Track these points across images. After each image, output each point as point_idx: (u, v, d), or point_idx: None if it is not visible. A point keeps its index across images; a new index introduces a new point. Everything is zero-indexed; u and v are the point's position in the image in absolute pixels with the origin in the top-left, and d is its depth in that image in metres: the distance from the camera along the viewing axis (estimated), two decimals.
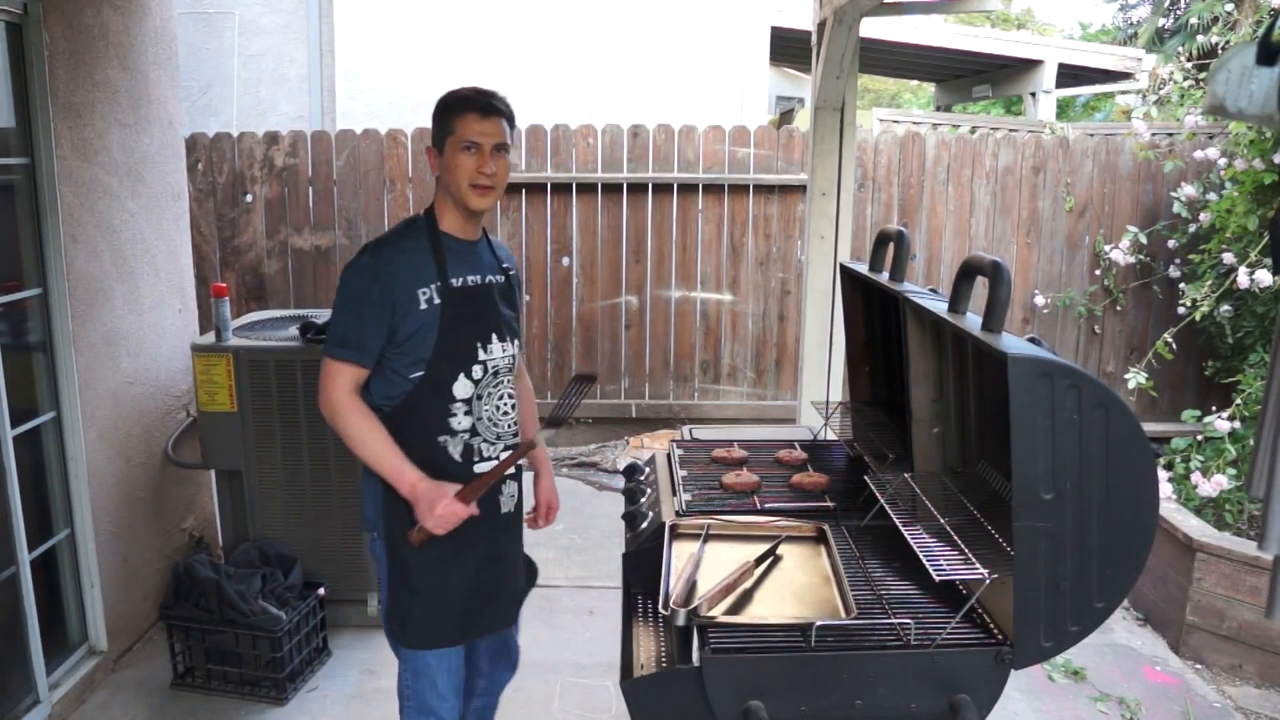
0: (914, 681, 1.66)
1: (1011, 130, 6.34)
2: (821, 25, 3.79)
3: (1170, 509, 3.69)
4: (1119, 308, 5.78)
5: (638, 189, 5.85)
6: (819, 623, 1.65)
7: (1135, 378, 4.81)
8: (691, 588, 1.81)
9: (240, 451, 3.35)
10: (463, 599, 2.09)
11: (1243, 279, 4.38)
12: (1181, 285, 5.22)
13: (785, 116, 11.11)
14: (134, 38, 3.39)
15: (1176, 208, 5.39)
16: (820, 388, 4.06)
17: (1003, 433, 1.56)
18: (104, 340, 3.23)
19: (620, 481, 2.78)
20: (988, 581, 1.62)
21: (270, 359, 3.30)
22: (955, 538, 1.74)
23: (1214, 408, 4.29)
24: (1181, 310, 5.01)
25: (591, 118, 5.96)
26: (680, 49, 8.02)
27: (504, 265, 2.19)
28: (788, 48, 9.81)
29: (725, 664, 1.64)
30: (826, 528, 2.05)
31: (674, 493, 2.37)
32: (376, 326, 1.98)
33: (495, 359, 2.09)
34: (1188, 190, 5.31)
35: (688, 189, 5.85)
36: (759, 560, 1.92)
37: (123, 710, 3.05)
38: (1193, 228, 5.34)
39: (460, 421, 2.05)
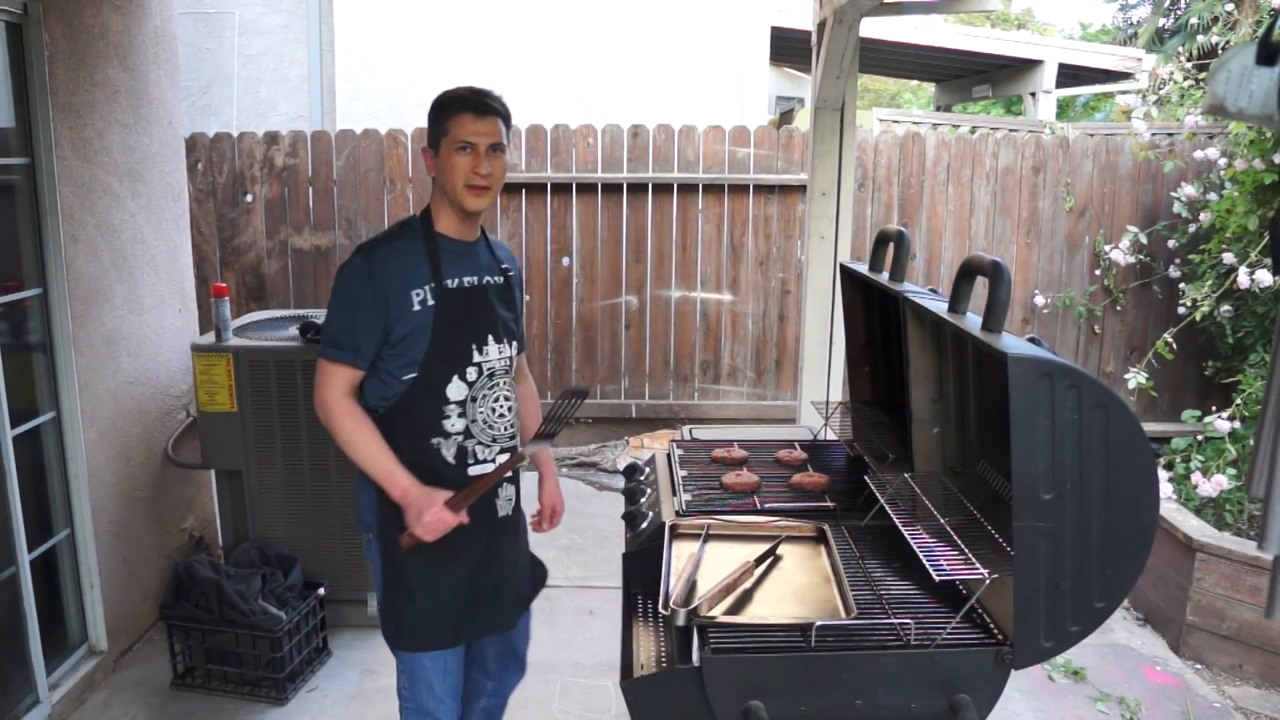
0: (914, 681, 1.66)
1: (1011, 130, 6.34)
2: (821, 25, 3.79)
3: (1170, 509, 3.68)
4: (1119, 308, 5.78)
5: (638, 189, 5.85)
6: (819, 623, 1.65)
7: (1135, 378, 4.81)
8: (691, 588, 1.81)
9: (240, 451, 3.35)
10: (458, 602, 2.08)
11: (1243, 279, 4.37)
12: (1181, 285, 5.22)
13: (785, 116, 11.11)
14: (134, 38, 3.39)
15: (1176, 208, 5.39)
16: (820, 388, 4.06)
17: (1003, 433, 1.56)
18: (104, 340, 3.23)
19: (620, 481, 2.78)
20: (988, 581, 1.62)
21: (270, 359, 3.30)
22: (955, 538, 1.74)
23: (1214, 408, 4.29)
24: (1181, 310, 5.01)
25: (591, 118, 5.96)
26: (680, 49, 8.02)
27: (503, 266, 2.17)
28: (788, 48, 9.81)
29: (725, 664, 1.64)
30: (826, 528, 2.05)
31: (674, 493, 2.37)
32: (370, 328, 1.97)
33: (491, 361, 2.08)
34: (1188, 190, 5.30)
35: (688, 189, 5.85)
36: (759, 560, 1.92)
37: (123, 710, 3.05)
38: (1193, 228, 5.33)
39: (453, 424, 2.04)
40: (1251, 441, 2.22)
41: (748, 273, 5.92)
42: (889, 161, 5.79)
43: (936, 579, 1.66)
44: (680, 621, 1.68)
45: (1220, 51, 5.39)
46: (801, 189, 5.66)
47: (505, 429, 2.12)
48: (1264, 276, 4.31)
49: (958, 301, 1.81)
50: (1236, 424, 4.05)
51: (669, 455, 2.64)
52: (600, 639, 3.44)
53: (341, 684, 3.22)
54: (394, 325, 1.98)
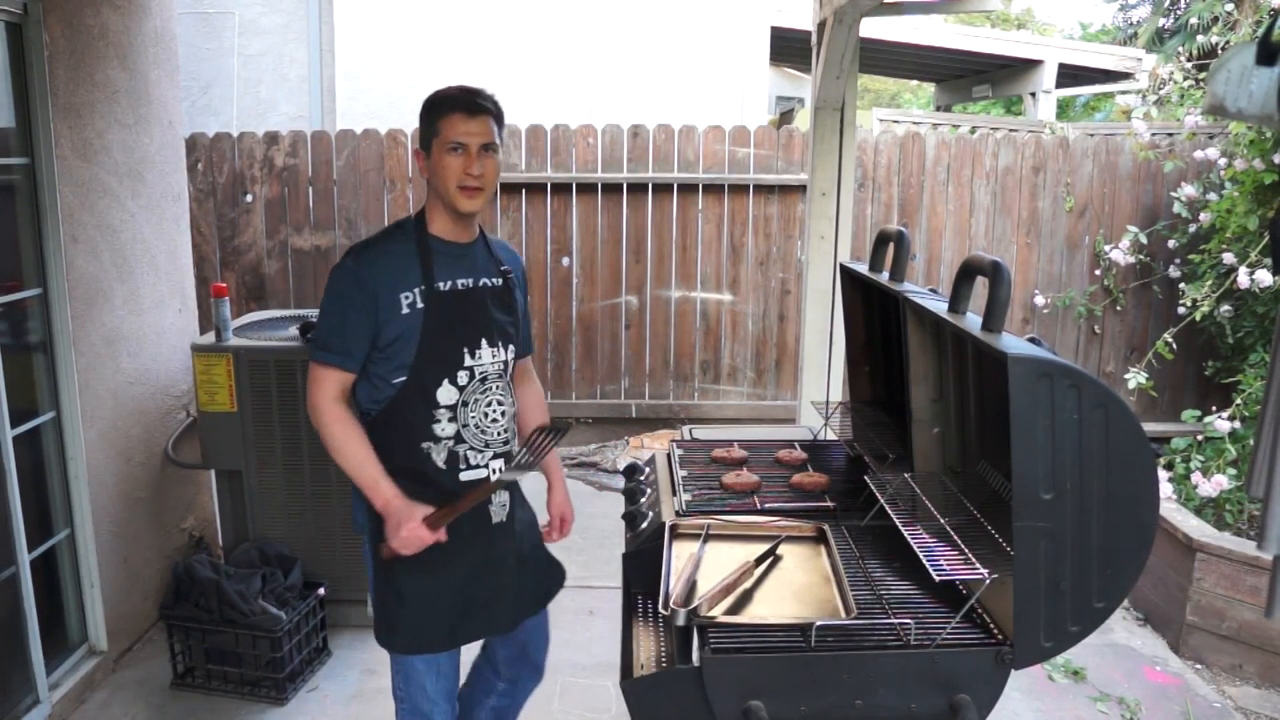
0: (914, 681, 1.66)
1: (1011, 130, 6.34)
2: (821, 25, 3.79)
3: (1170, 509, 3.68)
4: (1119, 308, 5.78)
5: (638, 189, 5.85)
6: (819, 623, 1.65)
7: (1135, 378, 4.81)
8: (691, 588, 1.81)
9: (240, 451, 3.35)
10: (450, 605, 2.05)
11: (1243, 279, 4.37)
12: (1181, 285, 5.22)
13: (785, 116, 11.11)
14: (134, 38, 3.39)
15: (1176, 208, 5.40)
16: (820, 388, 4.06)
17: (1003, 433, 1.56)
18: (104, 340, 3.23)
19: (620, 481, 2.78)
20: (988, 581, 1.62)
21: (270, 359, 3.30)
22: (955, 538, 1.74)
23: (1214, 408, 4.29)
24: (1181, 310, 5.01)
25: (591, 118, 5.96)
26: (680, 49, 8.02)
27: (503, 268, 2.13)
28: (788, 48, 9.81)
29: (725, 664, 1.64)
30: (826, 528, 2.05)
31: (674, 493, 2.37)
32: (360, 330, 1.95)
33: (484, 365, 2.04)
34: (1188, 190, 5.31)
35: (688, 189, 5.85)
36: (759, 560, 1.92)
37: (123, 710, 3.05)
38: (1193, 228, 5.34)
39: (444, 428, 2.01)
40: (1251, 441, 2.22)
41: (748, 273, 5.92)
42: (889, 161, 5.79)
43: (936, 579, 1.66)
44: (680, 621, 1.68)
45: (1220, 51, 5.38)
46: (801, 189, 5.67)
47: (498, 434, 2.08)
48: (1264, 276, 4.31)
49: (958, 301, 1.81)
50: (1236, 424, 4.05)
51: (669, 455, 2.64)
52: (600, 639, 3.44)
53: (341, 684, 3.22)
54: (383, 328, 1.95)
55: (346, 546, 3.38)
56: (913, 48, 9.34)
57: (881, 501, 1.98)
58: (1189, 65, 5.49)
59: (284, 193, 5.75)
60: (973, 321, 1.73)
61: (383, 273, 1.96)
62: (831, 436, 2.81)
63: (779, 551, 1.99)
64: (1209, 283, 4.83)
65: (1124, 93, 9.93)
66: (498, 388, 2.08)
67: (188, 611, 3.10)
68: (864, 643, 1.68)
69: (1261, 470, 1.45)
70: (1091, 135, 6.04)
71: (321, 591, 3.29)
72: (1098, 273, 5.76)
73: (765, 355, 6.02)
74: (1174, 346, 4.75)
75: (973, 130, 6.72)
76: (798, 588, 1.87)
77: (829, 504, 2.27)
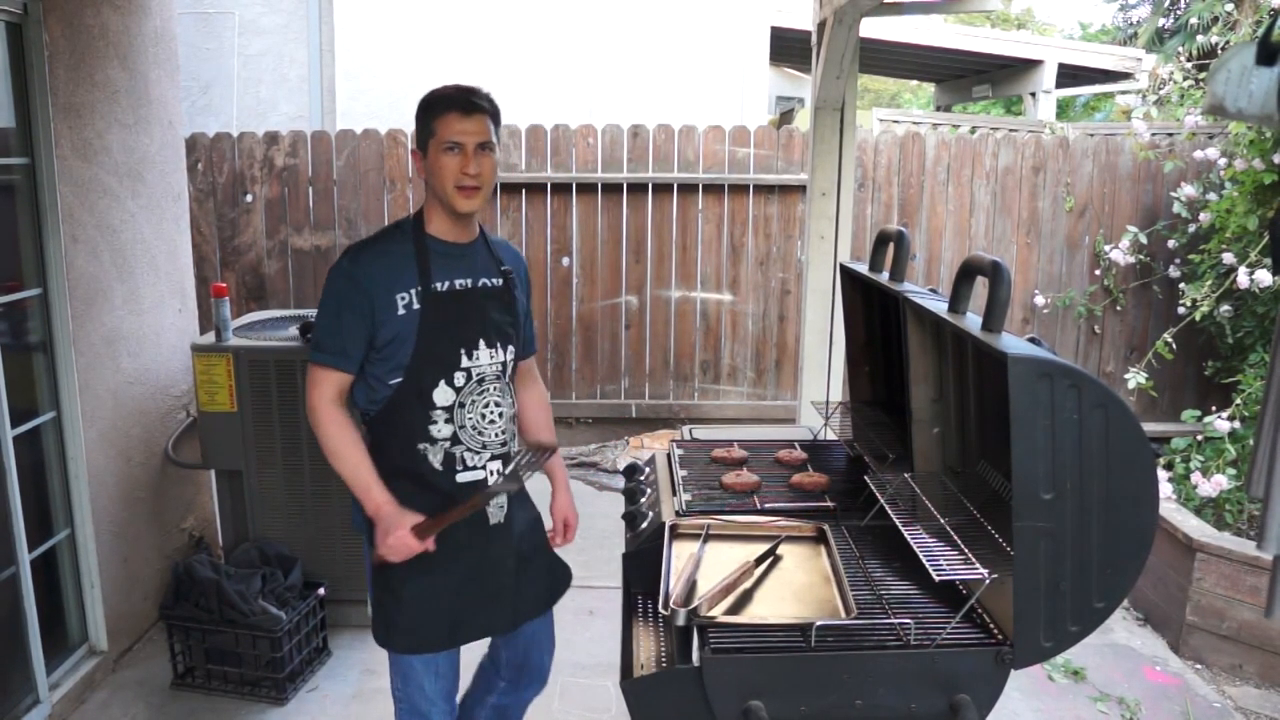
0: (914, 681, 1.66)
1: (1011, 130, 6.34)
2: (821, 25, 3.79)
3: (1170, 509, 3.68)
4: (1119, 308, 5.78)
5: (638, 189, 5.85)
6: (819, 623, 1.65)
7: (1135, 378, 4.81)
8: (691, 588, 1.81)
9: (240, 451, 3.35)
10: (447, 606, 2.05)
11: (1243, 279, 4.38)
12: (1181, 285, 5.22)
13: (785, 116, 11.11)
14: (134, 38, 3.39)
15: (1176, 208, 5.39)
16: (820, 388, 4.06)
17: (1003, 433, 1.56)
18: (104, 340, 3.23)
19: (620, 481, 2.78)
20: (988, 581, 1.62)
21: (270, 359, 3.30)
22: (955, 538, 1.74)
23: (1214, 408, 4.29)
24: (1181, 310, 5.01)
25: (591, 118, 5.96)
26: (680, 49, 8.02)
27: (504, 267, 2.11)
28: (788, 48, 9.81)
29: (725, 664, 1.64)
30: (826, 528, 2.05)
31: (674, 493, 2.37)
32: (356, 331, 1.94)
33: (481, 366, 2.03)
34: (1188, 190, 5.31)
35: (688, 189, 5.85)
36: (759, 560, 1.92)
37: (123, 710, 3.05)
38: (1193, 228, 5.33)
39: (440, 429, 2.00)
40: (1251, 441, 2.22)
41: (748, 273, 5.92)
42: (889, 161, 5.79)
43: (936, 579, 1.66)
44: (680, 621, 1.68)
45: (1220, 51, 5.38)
46: (801, 189, 5.67)
47: (495, 436, 2.07)
48: (1264, 276, 4.31)
49: (958, 301, 1.81)
50: (1236, 424, 4.05)
51: (669, 455, 2.64)
52: (600, 639, 3.44)
53: (341, 684, 3.22)
54: (379, 329, 1.95)
55: (346, 546, 3.38)
56: (913, 48, 9.34)
57: (881, 501, 1.98)
58: (1189, 65, 5.49)
59: (284, 193, 5.75)
60: (973, 321, 1.73)
61: (378, 273, 1.96)
62: (831, 436, 2.81)
63: (779, 551, 1.99)
64: (1209, 283, 4.83)
65: (1124, 93, 9.94)
66: (495, 389, 2.06)
67: (188, 611, 3.10)
68: (864, 643, 1.68)
69: (1261, 470, 1.45)
70: (1091, 135, 6.04)
71: (321, 591, 3.29)
72: (1098, 273, 5.76)
73: (765, 355, 6.02)
74: (1174, 346, 4.75)
75: (973, 130, 6.72)
76: (798, 588, 1.87)
77: (829, 504, 2.27)
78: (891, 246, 2.28)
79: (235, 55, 7.20)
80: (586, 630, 3.58)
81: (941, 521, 1.80)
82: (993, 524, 1.78)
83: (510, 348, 2.10)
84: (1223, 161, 5.10)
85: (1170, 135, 5.69)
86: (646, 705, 1.73)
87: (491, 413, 2.05)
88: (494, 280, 2.09)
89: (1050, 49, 9.68)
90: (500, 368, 2.07)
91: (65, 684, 3.00)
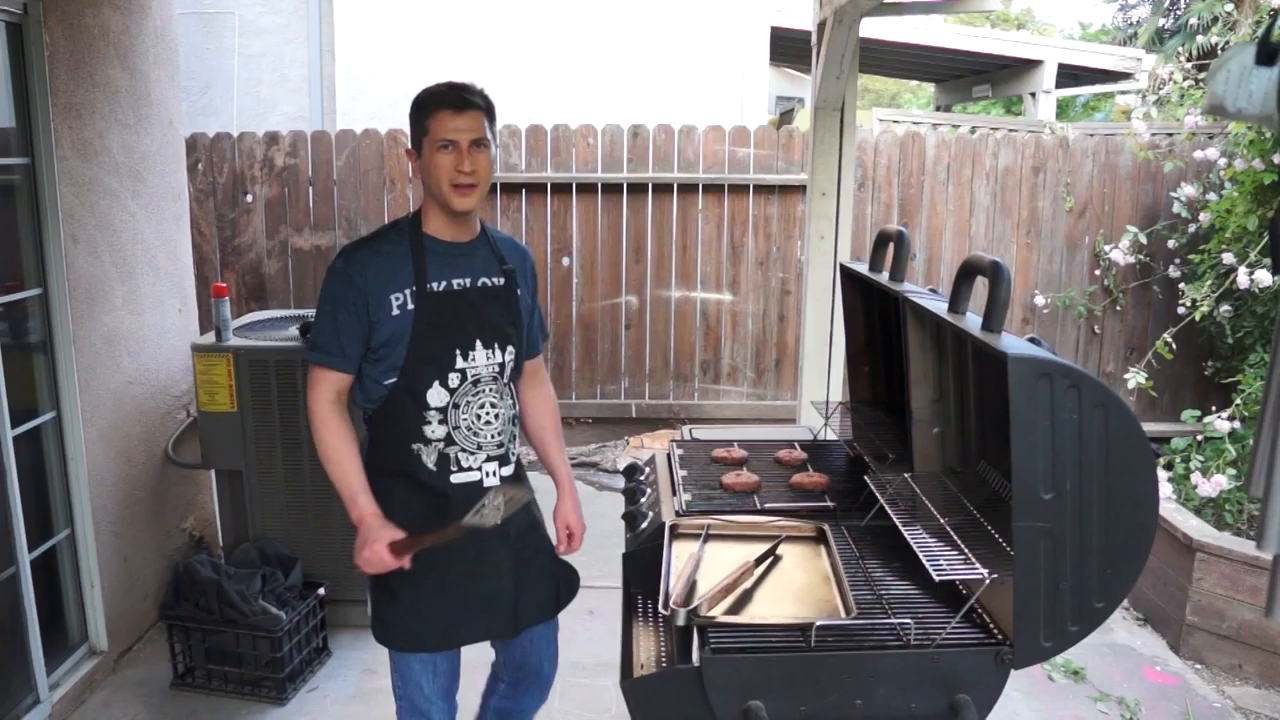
0: (914, 681, 1.66)
1: (1011, 130, 6.34)
2: (821, 25, 3.79)
3: (1170, 509, 3.68)
4: (1119, 308, 5.78)
5: (638, 189, 5.85)
6: (819, 623, 1.65)
7: (1135, 378, 4.81)
8: (691, 588, 1.81)
9: (240, 451, 3.35)
10: (441, 607, 2.03)
11: (1242, 279, 4.37)
12: (1181, 285, 5.22)
13: (785, 116, 11.12)
14: (134, 38, 3.39)
15: (1176, 208, 5.40)
16: (820, 388, 4.06)
17: (1003, 433, 1.56)
18: (104, 340, 3.23)
19: (620, 481, 2.78)
20: (988, 581, 1.62)
21: (270, 359, 3.30)
22: (955, 538, 1.74)
23: (1214, 408, 4.28)
24: (1181, 310, 5.01)
25: (591, 118, 5.96)
26: (680, 49, 8.02)
27: (505, 266, 2.09)
28: (788, 48, 9.81)
29: (725, 664, 1.64)
30: (826, 528, 2.05)
31: (674, 493, 2.37)
32: (352, 331, 1.94)
33: (477, 366, 2.00)
34: (1187, 190, 5.31)
35: (688, 189, 5.85)
36: (759, 560, 1.92)
37: (123, 710, 3.05)
38: (1192, 228, 5.34)
39: (434, 430, 1.98)
40: (1251, 441, 2.22)
41: (748, 273, 5.92)
42: (889, 161, 5.79)
43: (936, 579, 1.66)
44: (680, 621, 1.68)
45: (1220, 51, 5.38)
46: (801, 189, 5.67)
47: (491, 437, 2.04)
48: (1264, 276, 4.31)
49: (958, 301, 1.81)
50: (1236, 424, 4.05)
51: (669, 455, 2.63)
52: (600, 639, 3.43)
53: (341, 684, 3.22)
54: (374, 329, 1.94)
55: (346, 546, 3.34)
56: (913, 48, 9.34)
57: (881, 501, 1.98)
58: (1189, 65, 5.48)
59: (284, 193, 5.75)
60: (973, 321, 1.73)
61: (373, 273, 1.94)
62: (831, 436, 2.81)
63: (779, 551, 1.99)
64: (1209, 283, 4.83)
65: (1124, 93, 9.94)
66: (491, 390, 2.04)
67: (188, 611, 3.10)
68: (864, 643, 1.68)
69: (1261, 470, 1.45)
70: (1091, 135, 6.04)
71: (321, 591, 3.29)
72: (1097, 273, 5.76)
73: (765, 355, 6.02)
74: (1174, 346, 4.75)
75: (973, 130, 6.72)
76: (798, 588, 1.87)
77: (829, 504, 2.27)
78: (891, 246, 2.28)
79: (235, 55, 7.20)
80: (586, 630, 3.57)
81: (941, 521, 1.80)
82: (993, 524, 1.78)
83: (510, 348, 2.07)
84: (1222, 161, 5.11)
85: (1170, 135, 5.69)
86: (646, 705, 1.73)
87: (487, 414, 2.03)
88: (494, 279, 2.06)
89: (1050, 49, 9.68)
90: (498, 369, 2.05)
91: (65, 684, 3.00)
